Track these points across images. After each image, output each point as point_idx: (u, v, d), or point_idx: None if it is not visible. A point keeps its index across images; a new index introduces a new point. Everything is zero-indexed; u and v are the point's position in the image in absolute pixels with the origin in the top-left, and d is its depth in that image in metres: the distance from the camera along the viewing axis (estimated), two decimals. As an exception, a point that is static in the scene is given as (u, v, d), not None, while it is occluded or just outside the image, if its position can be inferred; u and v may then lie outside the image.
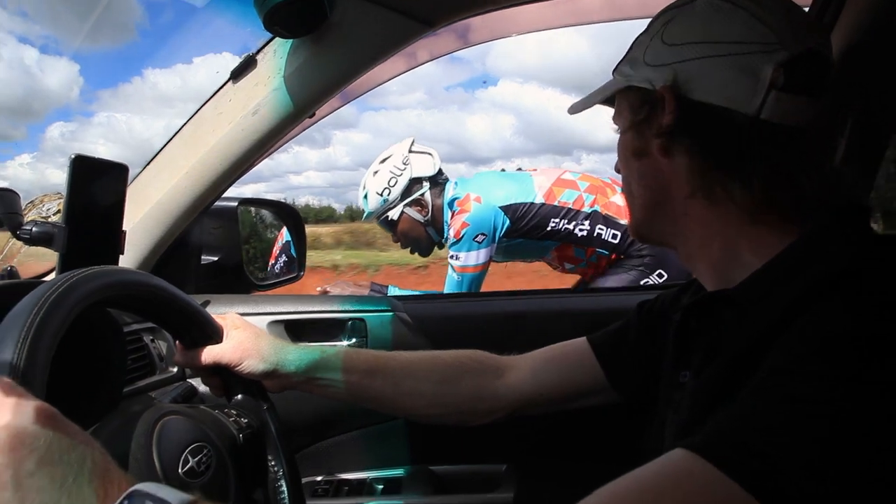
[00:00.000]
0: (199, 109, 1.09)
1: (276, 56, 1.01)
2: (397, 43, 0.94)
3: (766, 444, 0.39)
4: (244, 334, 0.80)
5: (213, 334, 0.79)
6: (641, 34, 0.62)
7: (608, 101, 0.66)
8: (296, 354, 0.81)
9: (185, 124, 1.10)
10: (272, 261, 1.73)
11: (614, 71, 0.64)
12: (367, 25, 0.93)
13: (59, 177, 0.87)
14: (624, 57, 0.63)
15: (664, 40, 0.58)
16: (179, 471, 0.61)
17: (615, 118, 0.65)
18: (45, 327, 0.51)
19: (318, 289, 2.15)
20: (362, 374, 0.82)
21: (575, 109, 0.71)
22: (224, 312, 1.12)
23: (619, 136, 0.65)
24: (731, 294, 0.56)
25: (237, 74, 1.05)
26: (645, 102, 0.58)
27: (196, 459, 0.64)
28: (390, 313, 1.13)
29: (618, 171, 0.67)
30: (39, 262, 1.11)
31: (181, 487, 0.59)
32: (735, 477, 0.38)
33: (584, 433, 1.03)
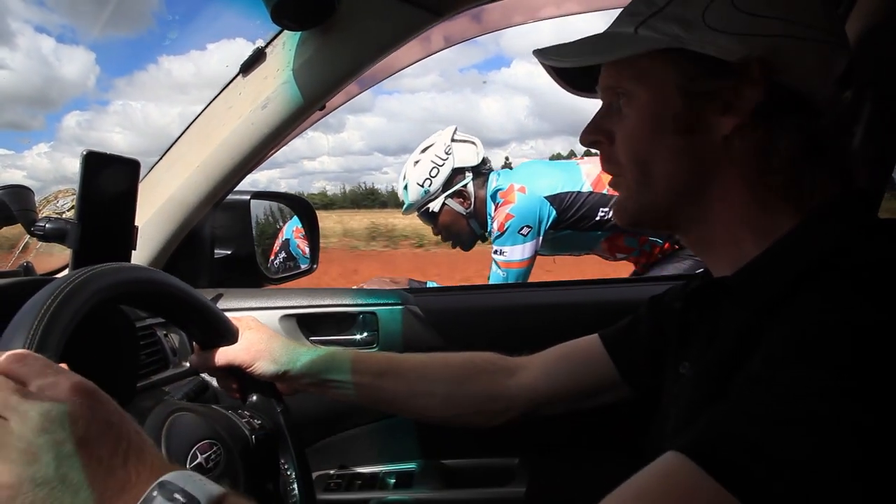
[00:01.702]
0: (209, 104, 1.09)
1: (284, 49, 1.00)
2: (406, 33, 0.92)
3: (749, 446, 0.39)
4: (257, 335, 0.80)
5: (228, 335, 0.79)
6: None
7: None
8: (307, 356, 0.81)
9: (195, 119, 1.10)
10: (272, 257, 1.71)
11: (638, 25, 0.54)
12: (375, 16, 0.92)
13: (75, 166, 0.89)
14: (652, 11, 0.54)
15: (737, 6, 0.51)
16: (187, 466, 0.61)
17: (626, 82, 0.55)
18: (55, 323, 0.52)
19: (356, 287, 2.12)
20: (374, 375, 0.81)
21: (577, 61, 0.56)
22: (236, 306, 1.14)
23: (625, 103, 0.56)
24: (728, 282, 0.54)
25: (247, 68, 1.05)
26: (708, 71, 0.51)
27: (205, 456, 0.64)
28: (400, 306, 1.12)
29: (590, 144, 0.59)
30: (55, 257, 1.12)
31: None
32: (719, 478, 0.38)
33: (596, 426, 1.02)
